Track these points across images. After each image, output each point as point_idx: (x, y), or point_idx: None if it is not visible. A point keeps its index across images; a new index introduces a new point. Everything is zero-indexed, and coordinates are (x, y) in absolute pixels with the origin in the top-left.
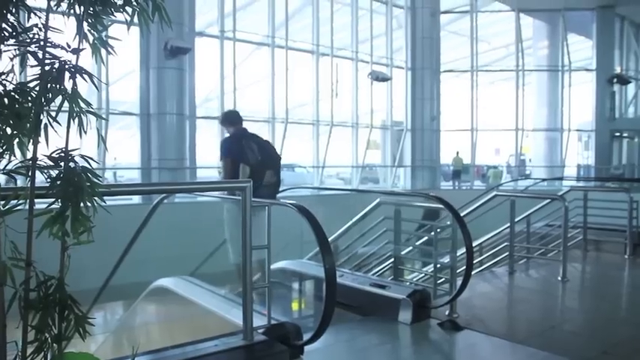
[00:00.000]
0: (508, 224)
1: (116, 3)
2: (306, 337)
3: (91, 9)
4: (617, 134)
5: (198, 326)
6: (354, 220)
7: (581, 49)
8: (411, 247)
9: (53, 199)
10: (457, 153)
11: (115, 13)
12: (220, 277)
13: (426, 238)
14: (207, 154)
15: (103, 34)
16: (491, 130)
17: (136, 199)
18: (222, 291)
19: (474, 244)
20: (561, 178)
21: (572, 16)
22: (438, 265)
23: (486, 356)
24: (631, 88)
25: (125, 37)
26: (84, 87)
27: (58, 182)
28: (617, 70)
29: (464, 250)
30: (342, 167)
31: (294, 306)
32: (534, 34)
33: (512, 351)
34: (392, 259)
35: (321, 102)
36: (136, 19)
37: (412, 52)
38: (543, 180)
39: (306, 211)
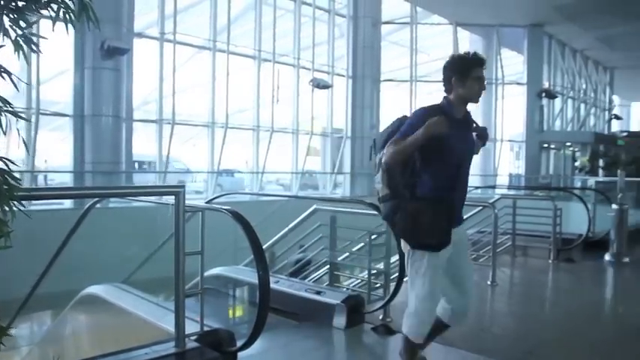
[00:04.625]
0: None
1: None
2: (240, 343)
3: (13, 3)
4: (545, 145)
5: (129, 334)
6: (290, 226)
7: (514, 63)
8: (347, 254)
9: None
10: None
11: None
12: (155, 284)
13: (361, 244)
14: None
15: (28, 31)
16: None
17: (67, 203)
18: (155, 298)
19: None
20: (493, 187)
21: (505, 32)
22: (373, 271)
23: None
24: (558, 102)
25: (59, 35)
26: (9, 86)
27: None
28: (546, 84)
29: (397, 256)
30: (282, 173)
31: (229, 312)
32: (470, 47)
33: (444, 353)
34: (328, 266)
35: (262, 108)
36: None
37: (353, 61)
38: (477, 188)
39: (240, 217)
